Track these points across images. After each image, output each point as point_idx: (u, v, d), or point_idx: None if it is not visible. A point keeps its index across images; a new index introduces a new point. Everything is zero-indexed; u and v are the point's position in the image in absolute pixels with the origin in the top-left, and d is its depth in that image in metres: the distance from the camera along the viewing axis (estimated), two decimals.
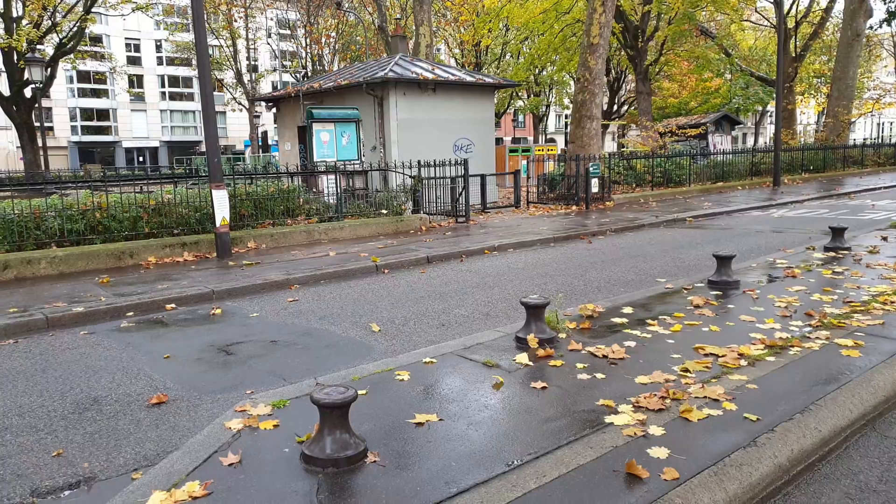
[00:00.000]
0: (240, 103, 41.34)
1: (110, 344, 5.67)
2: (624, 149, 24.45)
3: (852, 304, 5.66)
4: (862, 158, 28.11)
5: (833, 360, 4.33)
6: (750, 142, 48.31)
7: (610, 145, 43.17)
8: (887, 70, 56.23)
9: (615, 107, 39.31)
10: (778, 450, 3.21)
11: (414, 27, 22.54)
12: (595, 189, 15.71)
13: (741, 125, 39.51)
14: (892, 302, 5.64)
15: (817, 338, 4.76)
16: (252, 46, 40.73)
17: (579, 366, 4.33)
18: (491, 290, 7.43)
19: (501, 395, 3.92)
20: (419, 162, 13.39)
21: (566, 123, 45.52)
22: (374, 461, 3.06)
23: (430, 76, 16.47)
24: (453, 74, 17.77)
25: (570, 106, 27.41)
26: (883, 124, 67.60)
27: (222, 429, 3.50)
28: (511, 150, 25.11)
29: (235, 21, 36.73)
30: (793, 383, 3.95)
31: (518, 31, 34.28)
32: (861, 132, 63.90)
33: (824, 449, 3.39)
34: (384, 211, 12.23)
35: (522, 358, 4.52)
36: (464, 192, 13.41)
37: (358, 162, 13.59)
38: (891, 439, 3.53)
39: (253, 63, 41.72)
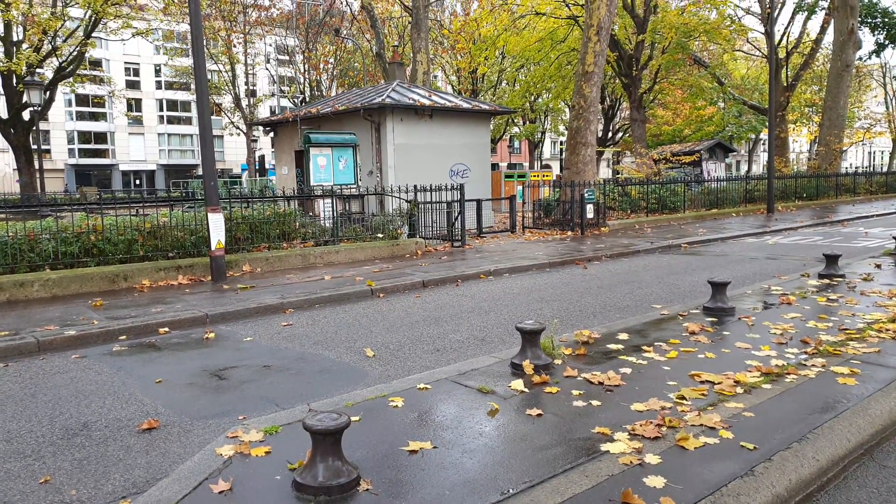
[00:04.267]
0: (237, 127, 41.58)
1: (102, 368, 5.61)
2: (619, 175, 24.65)
3: (848, 331, 5.65)
4: (854, 186, 28.37)
5: (829, 388, 4.31)
6: (743, 169, 48.84)
7: (605, 172, 43.58)
8: (877, 100, 57.06)
9: (610, 133, 39.72)
10: (776, 480, 3.18)
11: (411, 54, 22.83)
12: (590, 215, 15.78)
13: (735, 153, 39.90)
14: (888, 329, 5.63)
15: (813, 365, 4.75)
16: (251, 72, 41.11)
17: (575, 392, 4.30)
18: (486, 315, 7.41)
19: (496, 422, 3.88)
20: (415, 186, 13.44)
21: (561, 150, 45.92)
22: (367, 489, 3.01)
23: (427, 102, 16.63)
24: (450, 101, 17.95)
25: (566, 132, 27.66)
26: (874, 153, 68.44)
27: (213, 455, 3.45)
28: (507, 176, 25.27)
29: (234, 46, 37.13)
30: (790, 411, 3.92)
31: (514, 60, 34.75)
32: (853, 160, 64.71)
33: (822, 479, 3.36)
34: (380, 235, 12.25)
35: (518, 384, 4.49)
36: (460, 217, 13.45)
37: (354, 186, 13.63)
38: (889, 469, 3.50)
39: (251, 88, 42.08)
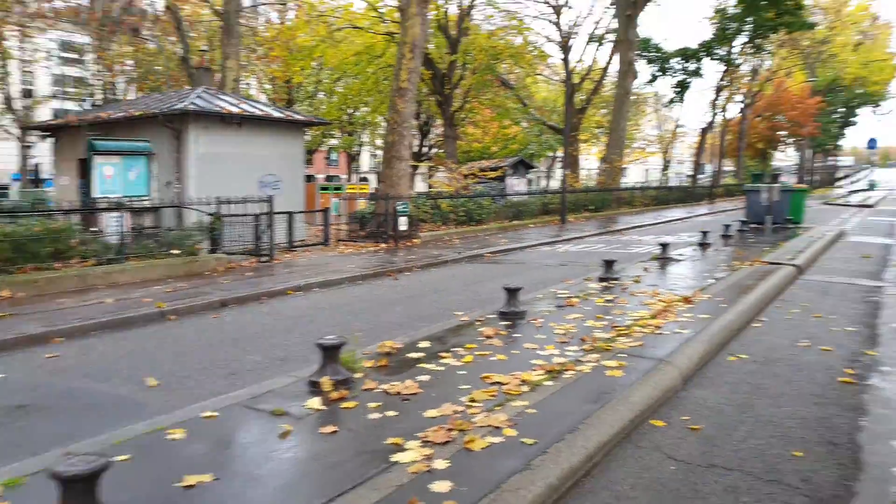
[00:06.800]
0: (8, 131, 36.20)
1: None
2: (432, 189, 25.49)
3: (618, 328, 6.29)
4: (631, 199, 32.08)
5: (600, 380, 4.74)
6: (543, 184, 53.28)
7: (421, 185, 44.86)
8: (651, 124, 65.54)
9: (425, 149, 40.96)
10: (550, 471, 3.40)
11: (222, 60, 21.60)
12: (403, 227, 16.07)
13: (535, 169, 43.29)
14: (649, 325, 6.37)
15: (588, 361, 5.19)
16: (27, 69, 36.12)
17: (372, 405, 4.27)
18: (290, 333, 7.15)
19: (287, 444, 3.72)
20: (218, 198, 12.67)
21: (379, 163, 46.44)
22: None
23: (236, 110, 15.81)
24: (261, 109, 17.24)
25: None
26: (649, 170, 78.43)
27: None
28: (322, 188, 24.87)
29: (5, 40, 32.34)
30: (567, 405, 4.24)
31: (332, 72, 34.45)
32: (633, 176, 73.46)
33: (589, 464, 3.66)
34: (176, 251, 11.29)
35: (314, 402, 4.35)
36: (268, 230, 12.92)
37: (148, 198, 12.49)
38: (643, 449, 3.92)
39: (28, 88, 36.98)
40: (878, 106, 67.09)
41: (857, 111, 66.65)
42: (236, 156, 15.82)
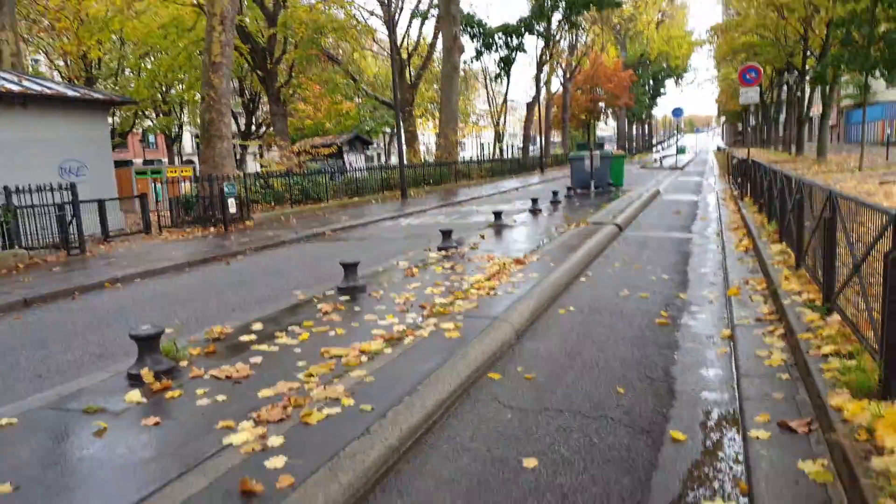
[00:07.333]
0: None
1: None
2: (264, 168, 24.41)
3: (455, 292, 6.47)
4: (469, 172, 33.23)
5: (439, 342, 4.84)
6: (384, 160, 53.31)
7: (253, 165, 42.72)
8: (482, 99, 67.91)
9: (254, 127, 38.98)
10: (389, 433, 3.41)
11: None
12: (233, 209, 15.21)
13: (373, 145, 43.07)
14: (484, 287, 6.63)
15: (427, 326, 5.28)
16: None
17: (199, 392, 4.01)
18: (108, 327, 6.48)
19: (104, 442, 3.38)
20: (6, 188, 11.06)
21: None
22: None
23: (17, 88, 13.80)
24: (51, 88, 15.22)
25: None
26: (484, 144, 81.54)
27: None
28: (139, 173, 22.73)
29: None
30: (407, 369, 4.28)
31: (136, 46, 31.35)
32: (470, 150, 75.97)
33: (429, 422, 3.74)
34: None
35: (134, 396, 4.00)
36: (74, 220, 11.56)
37: None
38: (481, 402, 4.08)
39: None
40: (681, 78, 75.63)
41: (665, 83, 74.53)
42: (24, 141, 13.88)
